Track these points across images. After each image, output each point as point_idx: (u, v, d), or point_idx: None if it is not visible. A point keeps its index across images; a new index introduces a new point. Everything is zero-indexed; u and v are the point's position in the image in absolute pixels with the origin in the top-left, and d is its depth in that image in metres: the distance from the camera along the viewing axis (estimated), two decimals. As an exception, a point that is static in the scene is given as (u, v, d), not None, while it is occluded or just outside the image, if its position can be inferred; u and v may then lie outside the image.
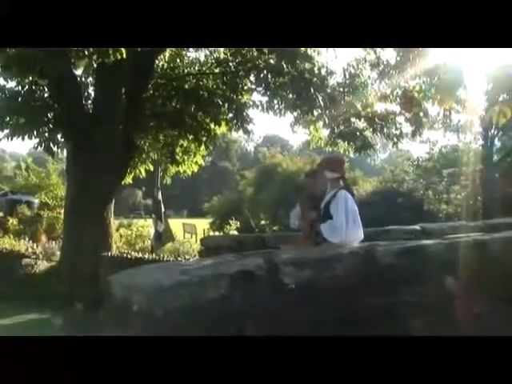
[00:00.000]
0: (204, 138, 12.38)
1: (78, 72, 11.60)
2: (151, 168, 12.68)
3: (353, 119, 11.98)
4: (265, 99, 11.72)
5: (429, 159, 17.39)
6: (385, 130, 11.92)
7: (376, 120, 11.79)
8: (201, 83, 12.34)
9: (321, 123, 12.08)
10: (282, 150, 49.95)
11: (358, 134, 11.97)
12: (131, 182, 13.05)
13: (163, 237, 11.31)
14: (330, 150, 12.39)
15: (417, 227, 7.37)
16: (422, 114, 11.68)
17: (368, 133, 12.01)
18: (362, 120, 12.00)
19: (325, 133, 12.51)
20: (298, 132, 12.49)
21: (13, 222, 14.24)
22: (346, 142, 12.19)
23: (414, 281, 2.13)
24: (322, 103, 11.22)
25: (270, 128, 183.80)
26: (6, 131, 10.59)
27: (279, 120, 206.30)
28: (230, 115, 12.32)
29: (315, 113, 11.66)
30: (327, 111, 11.61)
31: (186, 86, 12.30)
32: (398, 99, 11.66)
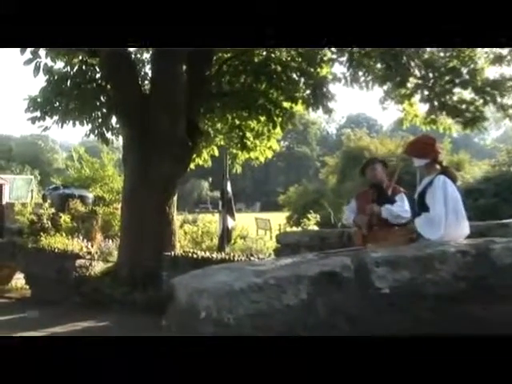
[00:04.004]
0: (278, 119, 12.33)
1: (132, 48, 11.89)
2: (216, 153, 12.81)
3: (457, 89, 11.54)
4: (348, 71, 11.52)
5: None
6: (498, 100, 11.35)
7: (487, 89, 11.27)
8: (273, 55, 12.30)
9: (416, 97, 11.75)
10: (369, 131, 49.31)
11: (464, 107, 11.49)
12: (195, 170, 13.23)
13: (233, 234, 11.43)
14: (428, 128, 12.01)
15: (541, 220, 7.03)
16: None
17: (477, 105, 11.48)
18: (470, 90, 11.52)
19: (421, 108, 12.16)
20: (389, 109, 12.22)
21: (65, 218, 14.79)
22: (448, 118, 11.76)
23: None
24: (417, 72, 10.90)
25: (354, 106, 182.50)
26: (55, 117, 11.03)
27: (365, 95, 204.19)
28: (308, 92, 12.24)
29: (409, 85, 11.35)
30: (424, 82, 11.27)
31: (256, 60, 12.31)
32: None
